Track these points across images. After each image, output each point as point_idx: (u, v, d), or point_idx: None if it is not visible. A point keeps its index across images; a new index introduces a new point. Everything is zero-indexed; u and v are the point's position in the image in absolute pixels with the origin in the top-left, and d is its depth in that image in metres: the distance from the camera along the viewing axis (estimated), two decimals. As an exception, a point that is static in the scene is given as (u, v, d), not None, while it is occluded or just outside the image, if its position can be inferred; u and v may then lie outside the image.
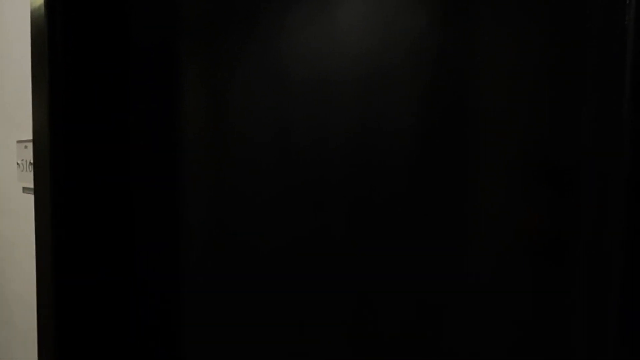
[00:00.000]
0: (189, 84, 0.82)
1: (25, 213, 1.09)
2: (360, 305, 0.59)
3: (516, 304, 0.46)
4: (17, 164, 1.11)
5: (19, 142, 1.10)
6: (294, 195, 0.66)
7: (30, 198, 1.04)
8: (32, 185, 0.98)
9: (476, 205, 0.49)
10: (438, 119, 0.51)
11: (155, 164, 0.89)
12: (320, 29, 0.62)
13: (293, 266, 0.67)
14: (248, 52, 0.71)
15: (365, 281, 0.59)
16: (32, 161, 0.97)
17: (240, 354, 0.76)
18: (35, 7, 0.88)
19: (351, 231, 0.60)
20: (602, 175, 0.40)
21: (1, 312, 1.26)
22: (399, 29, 0.54)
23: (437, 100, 0.52)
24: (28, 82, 0.95)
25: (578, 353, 0.42)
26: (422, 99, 0.53)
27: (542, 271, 0.44)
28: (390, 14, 0.55)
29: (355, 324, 0.60)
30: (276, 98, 0.68)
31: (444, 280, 0.51)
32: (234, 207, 0.75)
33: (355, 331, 0.60)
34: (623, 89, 0.37)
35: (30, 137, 0.95)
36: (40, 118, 0.89)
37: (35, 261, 0.95)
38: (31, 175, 1.01)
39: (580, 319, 0.42)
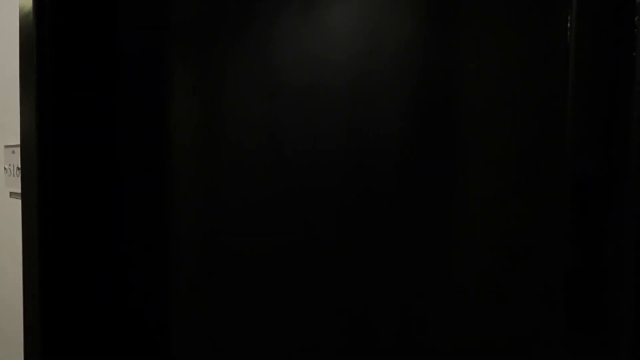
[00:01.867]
0: (178, 90, 0.83)
1: (12, 218, 1.09)
2: (353, 308, 0.60)
3: (505, 304, 0.47)
4: (5, 168, 1.10)
5: (7, 147, 1.09)
6: (285, 200, 0.67)
7: (17, 203, 1.04)
8: (19, 190, 0.98)
9: (465, 207, 0.50)
10: (427, 123, 0.53)
11: (145, 169, 0.90)
12: (309, 35, 0.63)
13: (285, 272, 0.67)
14: (238, 58, 0.72)
15: (358, 284, 0.59)
16: (19, 166, 0.97)
17: None
18: (25, 13, 0.89)
19: (343, 235, 0.60)
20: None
21: (-14, 318, 1.25)
22: (388, 35, 0.55)
23: (425, 105, 0.53)
24: (15, 86, 0.95)
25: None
26: (411, 104, 0.54)
27: (529, 271, 0.46)
28: (379, 20, 0.56)
29: (349, 328, 0.61)
30: (266, 103, 0.68)
31: (436, 282, 0.52)
32: (224, 212, 0.76)
33: (349, 335, 0.61)
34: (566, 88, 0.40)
35: (18, 142, 0.95)
36: (28, 123, 0.89)
37: (21, 266, 0.95)
38: (18, 180, 1.00)
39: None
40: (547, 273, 0.43)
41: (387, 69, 0.56)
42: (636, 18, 0.34)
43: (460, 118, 0.50)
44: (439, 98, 0.52)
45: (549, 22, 0.43)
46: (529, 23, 0.44)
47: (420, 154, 0.53)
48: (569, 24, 0.39)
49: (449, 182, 0.51)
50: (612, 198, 0.38)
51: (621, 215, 0.37)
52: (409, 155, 0.54)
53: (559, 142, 0.41)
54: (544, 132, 0.43)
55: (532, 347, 0.44)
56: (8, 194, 1.11)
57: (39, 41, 0.87)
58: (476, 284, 0.49)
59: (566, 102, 0.40)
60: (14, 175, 1.06)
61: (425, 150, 0.53)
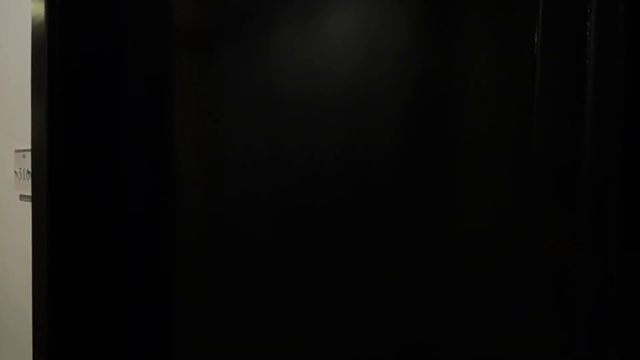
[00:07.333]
0: (181, 98, 0.86)
1: (22, 220, 1.11)
2: (354, 323, 0.61)
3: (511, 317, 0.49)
4: (15, 172, 1.13)
5: (17, 151, 1.12)
6: (284, 209, 0.68)
7: (27, 205, 1.06)
8: (29, 193, 1.00)
9: (464, 216, 0.51)
10: (424, 132, 0.54)
11: (149, 174, 0.92)
12: (308, 44, 0.65)
13: (286, 289, 0.68)
14: (237, 70, 0.74)
15: (360, 298, 0.60)
16: (29, 169, 1.00)
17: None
18: (37, 24, 0.92)
19: (345, 249, 0.61)
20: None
21: (-5, 320, 1.27)
22: (387, 44, 0.57)
23: (423, 114, 0.54)
24: (26, 92, 0.98)
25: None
26: (408, 113, 0.55)
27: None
28: (377, 29, 0.58)
29: (350, 346, 0.61)
30: (266, 116, 0.70)
31: (438, 294, 0.53)
32: (225, 223, 0.78)
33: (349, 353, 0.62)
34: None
35: (28, 146, 0.98)
36: (39, 127, 0.92)
37: (31, 268, 0.97)
38: (28, 183, 1.03)
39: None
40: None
41: (385, 78, 0.57)
42: (587, 33, 0.39)
43: (460, 125, 0.52)
44: (437, 106, 0.53)
45: (520, 35, 0.46)
46: (506, 36, 0.48)
47: (419, 162, 0.54)
48: (535, 38, 0.44)
49: (447, 189, 0.52)
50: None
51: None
52: (407, 164, 0.55)
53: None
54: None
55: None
56: (18, 197, 1.14)
57: (50, 49, 0.90)
58: (486, 296, 0.50)
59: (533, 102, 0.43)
60: (24, 179, 1.09)
61: (424, 159, 0.54)
